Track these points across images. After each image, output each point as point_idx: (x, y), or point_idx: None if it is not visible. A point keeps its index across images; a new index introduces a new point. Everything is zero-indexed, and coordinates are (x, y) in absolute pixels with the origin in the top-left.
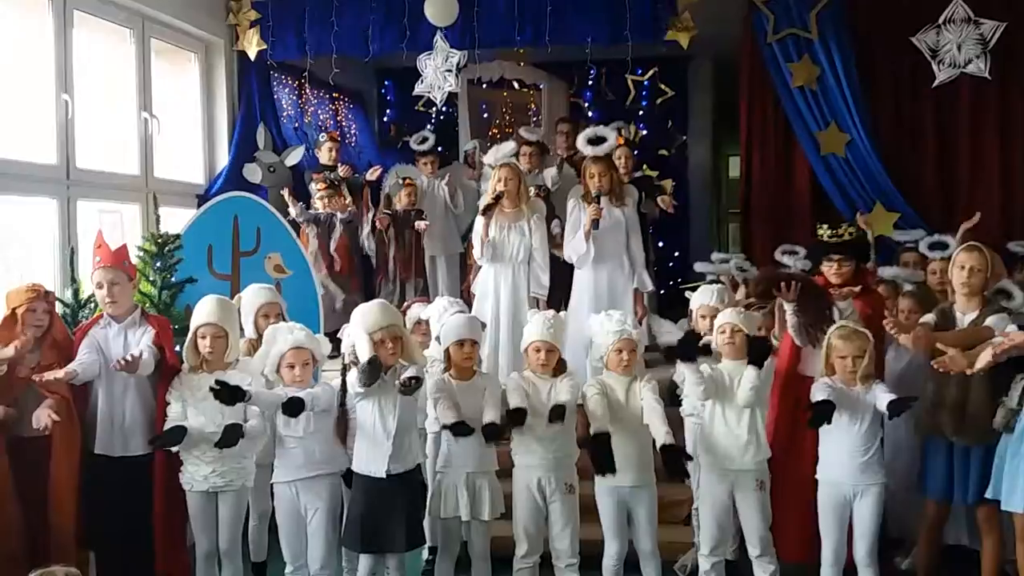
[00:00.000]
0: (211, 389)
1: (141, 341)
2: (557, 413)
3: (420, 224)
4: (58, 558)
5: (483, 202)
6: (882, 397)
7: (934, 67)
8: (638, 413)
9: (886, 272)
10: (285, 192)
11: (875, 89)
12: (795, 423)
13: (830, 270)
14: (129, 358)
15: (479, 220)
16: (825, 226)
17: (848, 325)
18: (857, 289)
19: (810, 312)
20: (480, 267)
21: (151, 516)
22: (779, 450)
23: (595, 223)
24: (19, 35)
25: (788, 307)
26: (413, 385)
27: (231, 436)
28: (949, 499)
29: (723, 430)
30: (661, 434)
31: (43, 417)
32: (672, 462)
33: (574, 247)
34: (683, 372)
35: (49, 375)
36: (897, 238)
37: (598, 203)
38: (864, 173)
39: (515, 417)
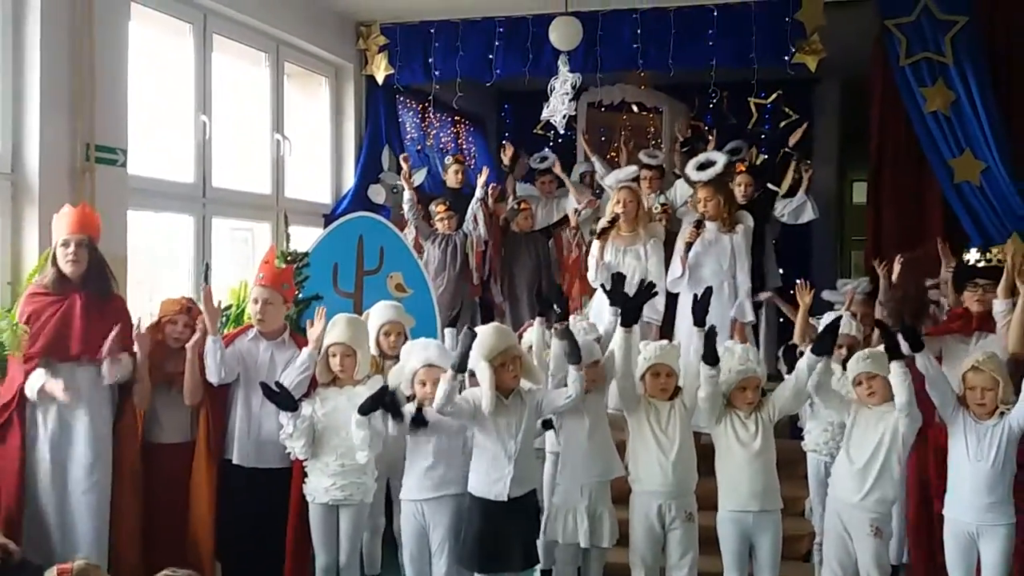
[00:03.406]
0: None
1: (288, 361)
2: None
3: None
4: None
5: (600, 224)
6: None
7: None
8: (764, 442)
9: None
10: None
11: (1013, 116)
12: (925, 458)
13: (973, 296)
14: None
15: (595, 243)
16: (973, 250)
17: (980, 357)
18: None
19: (910, 291)
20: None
21: (280, 526)
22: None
23: (688, 247)
24: (162, 58)
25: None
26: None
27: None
28: None
29: (845, 460)
30: None
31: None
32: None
33: (671, 269)
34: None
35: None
36: None
37: (697, 227)
38: (1000, 202)
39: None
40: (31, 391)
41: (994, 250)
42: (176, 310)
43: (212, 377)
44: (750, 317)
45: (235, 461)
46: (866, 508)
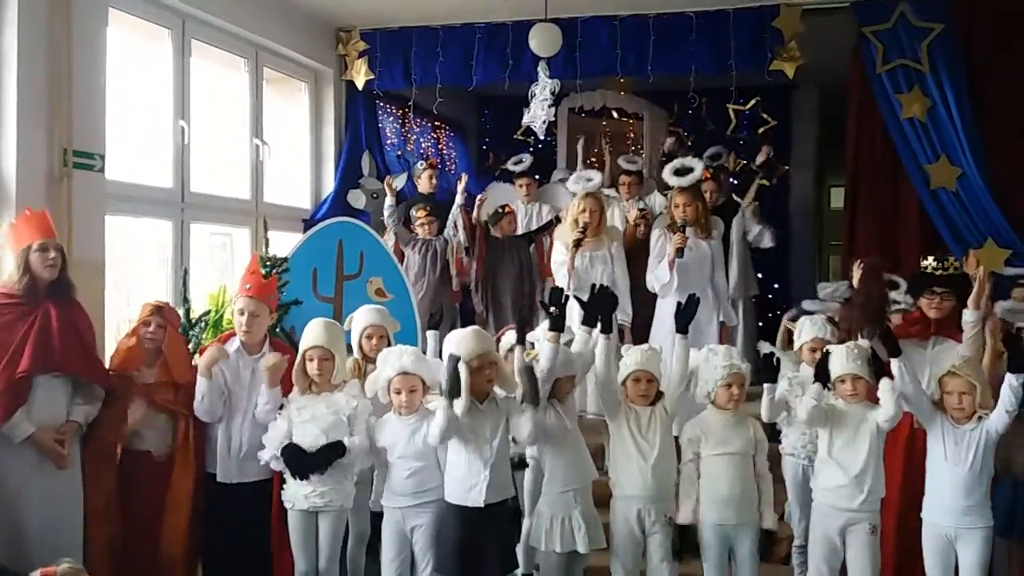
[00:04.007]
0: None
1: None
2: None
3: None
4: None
5: (565, 233)
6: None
7: None
8: (746, 450)
9: (1001, 307)
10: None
11: (989, 122)
12: (904, 462)
13: (930, 303)
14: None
15: (560, 250)
16: (931, 258)
17: (957, 362)
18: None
19: (872, 297)
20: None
21: (264, 536)
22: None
23: (679, 252)
24: (140, 63)
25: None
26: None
27: (327, 455)
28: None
29: (836, 469)
30: None
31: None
32: None
33: (657, 276)
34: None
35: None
36: (1008, 274)
37: (683, 233)
38: (975, 208)
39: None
40: (17, 434)
41: (951, 259)
42: (148, 312)
43: (203, 417)
44: (735, 320)
45: (218, 479)
46: (864, 510)
